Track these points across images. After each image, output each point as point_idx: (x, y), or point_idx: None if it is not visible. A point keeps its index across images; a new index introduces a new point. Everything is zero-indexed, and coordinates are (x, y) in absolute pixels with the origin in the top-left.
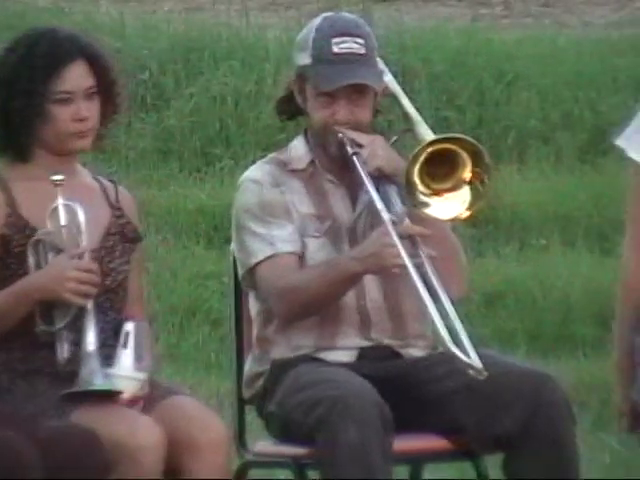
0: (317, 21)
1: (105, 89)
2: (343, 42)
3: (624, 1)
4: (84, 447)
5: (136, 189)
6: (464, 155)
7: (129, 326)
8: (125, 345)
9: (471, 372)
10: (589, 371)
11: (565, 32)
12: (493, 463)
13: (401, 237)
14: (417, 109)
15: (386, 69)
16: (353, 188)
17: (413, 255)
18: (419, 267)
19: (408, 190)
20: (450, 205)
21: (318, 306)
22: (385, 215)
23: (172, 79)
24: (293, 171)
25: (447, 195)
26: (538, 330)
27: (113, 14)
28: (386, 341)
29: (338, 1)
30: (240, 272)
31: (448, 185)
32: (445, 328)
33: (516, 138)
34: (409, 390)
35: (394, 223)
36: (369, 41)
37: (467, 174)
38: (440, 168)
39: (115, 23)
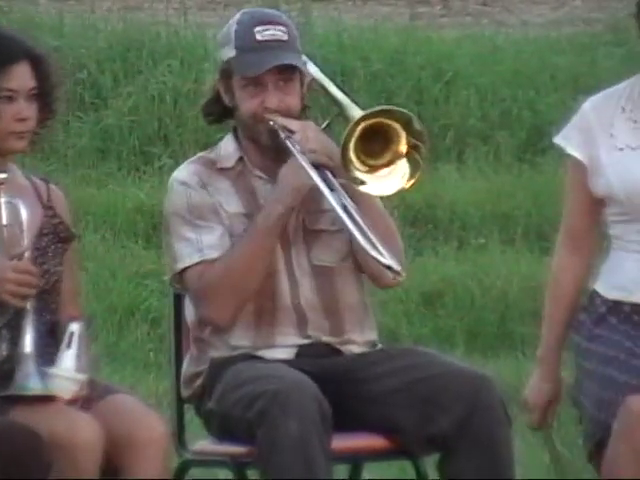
0: (237, 16)
1: (45, 93)
2: (265, 30)
3: (563, 0)
4: (26, 446)
5: (75, 188)
6: (397, 127)
7: (74, 327)
8: (69, 345)
9: (390, 274)
10: (528, 369)
11: (504, 31)
12: (433, 463)
13: (313, 166)
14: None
15: (309, 61)
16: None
17: (327, 182)
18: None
19: (346, 169)
20: (391, 180)
21: (249, 281)
22: (294, 149)
23: (110, 78)
24: (221, 170)
25: (386, 170)
26: (477, 329)
27: (52, 13)
28: (324, 338)
29: (277, 0)
30: (168, 275)
31: (385, 160)
32: (364, 238)
33: (455, 137)
34: (348, 388)
35: (303, 152)
36: (290, 30)
37: (403, 147)
38: (375, 144)
39: (54, 22)
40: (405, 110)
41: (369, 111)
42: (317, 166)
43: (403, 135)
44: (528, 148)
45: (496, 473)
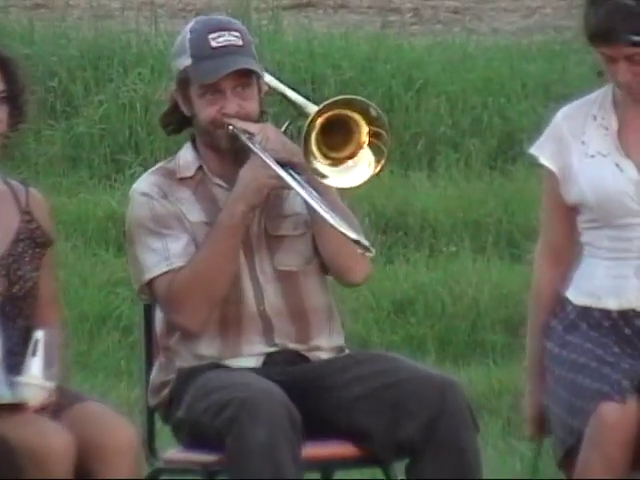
0: (190, 25)
1: (14, 96)
2: (220, 36)
3: (533, 8)
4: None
5: (46, 196)
6: (356, 117)
7: (39, 334)
8: (34, 353)
9: (359, 249)
10: (498, 377)
11: (475, 39)
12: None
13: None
14: None
15: (262, 68)
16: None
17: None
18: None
19: (309, 163)
20: (357, 171)
21: (217, 283)
22: (257, 148)
23: (81, 86)
24: (181, 180)
25: (350, 162)
26: (448, 337)
27: (22, 21)
28: (291, 345)
29: (247, 8)
30: (135, 286)
31: (348, 152)
32: (331, 216)
33: (426, 144)
34: (317, 395)
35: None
36: (244, 35)
37: (364, 136)
38: (337, 137)
39: (24, 30)
40: (360, 97)
41: (325, 103)
42: (280, 163)
43: (363, 124)
44: (499, 155)
45: (462, 476)
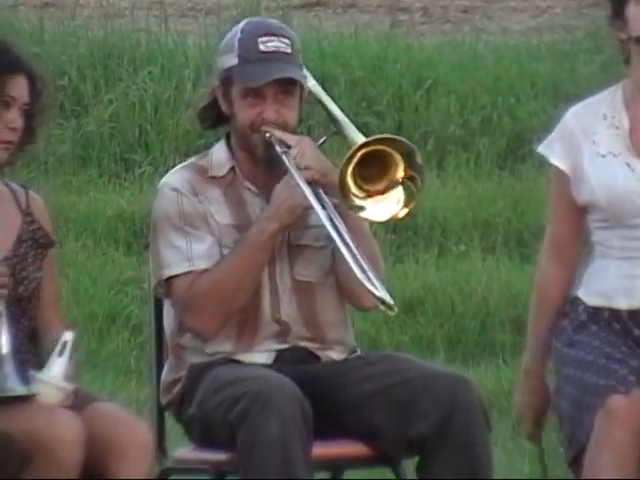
0: (241, 25)
1: (33, 114)
2: (269, 41)
3: (543, 7)
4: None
5: (55, 195)
6: (396, 156)
7: (68, 335)
8: (61, 353)
9: (382, 307)
10: (508, 377)
11: (484, 38)
12: (414, 467)
13: (307, 183)
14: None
15: (309, 74)
16: (270, 201)
17: (321, 202)
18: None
19: (342, 193)
20: (385, 206)
21: (238, 296)
22: (293, 169)
23: (91, 85)
24: (213, 178)
25: (380, 197)
26: (457, 336)
27: (32, 20)
28: (303, 344)
29: (258, 8)
30: (153, 280)
31: (381, 186)
32: (359, 268)
33: (435, 144)
34: (327, 394)
35: (299, 168)
36: (294, 43)
37: (400, 174)
38: (372, 169)
39: (34, 29)
40: (408, 142)
41: (372, 138)
42: (311, 184)
43: (401, 164)
44: (508, 155)
45: (474, 474)
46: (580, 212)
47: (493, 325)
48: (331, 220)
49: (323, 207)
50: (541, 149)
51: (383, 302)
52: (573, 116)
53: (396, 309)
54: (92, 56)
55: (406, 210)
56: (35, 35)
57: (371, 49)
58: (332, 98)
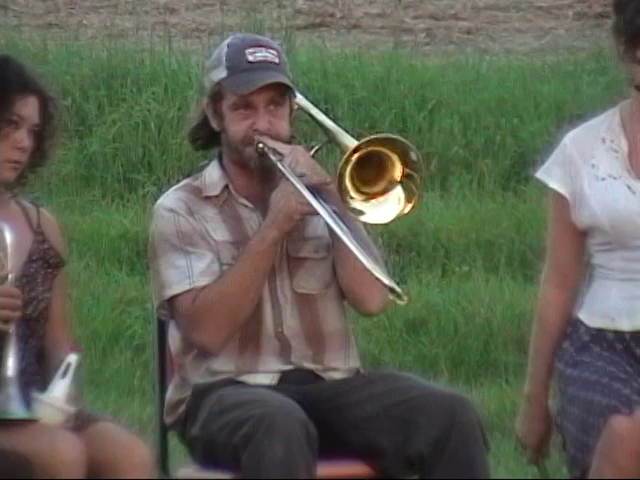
0: (227, 40)
1: (44, 136)
2: (257, 51)
3: (546, 29)
4: (14, 471)
5: (59, 215)
6: (392, 156)
7: (72, 358)
8: (64, 375)
9: (392, 297)
10: (511, 397)
11: (488, 59)
12: None
13: (307, 188)
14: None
15: (296, 90)
16: (267, 212)
17: (320, 204)
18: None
19: (342, 198)
20: (388, 207)
21: (243, 305)
22: (287, 171)
23: (95, 105)
24: (207, 198)
25: (381, 198)
26: (460, 356)
27: (36, 40)
28: (306, 365)
29: (261, 27)
30: (155, 302)
31: (380, 188)
32: (364, 256)
33: (439, 165)
34: (330, 414)
35: (300, 175)
36: (281, 55)
37: (397, 173)
38: (369, 172)
39: (38, 49)
40: (401, 139)
41: (365, 140)
42: (309, 188)
43: (399, 164)
44: (512, 176)
45: None
46: (580, 236)
47: (496, 345)
48: (332, 217)
49: (322, 206)
50: (539, 175)
51: (392, 290)
52: (571, 141)
53: (406, 298)
54: (96, 76)
55: (410, 206)
56: (39, 55)
57: (374, 70)
58: (333, 119)
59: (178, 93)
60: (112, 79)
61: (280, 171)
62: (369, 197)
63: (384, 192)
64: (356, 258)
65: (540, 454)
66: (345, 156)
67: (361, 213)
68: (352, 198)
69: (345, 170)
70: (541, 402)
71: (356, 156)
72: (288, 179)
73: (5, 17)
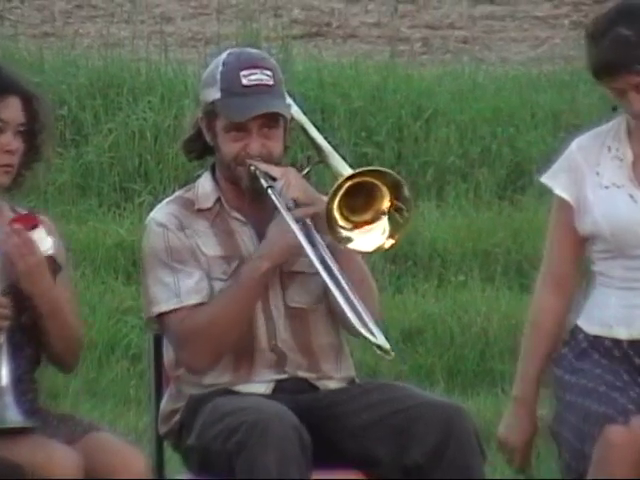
0: (223, 56)
1: (33, 132)
2: (252, 74)
3: (542, 38)
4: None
5: (55, 224)
6: (382, 188)
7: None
8: None
9: (379, 352)
10: (508, 407)
11: (484, 68)
12: None
13: (297, 221)
14: (336, 145)
15: (292, 101)
16: (260, 225)
17: (312, 243)
18: (318, 251)
19: (329, 225)
20: (371, 237)
21: (231, 333)
22: (282, 208)
23: (91, 114)
24: (199, 211)
25: (367, 227)
26: (457, 366)
27: (32, 49)
28: (300, 373)
29: (257, 37)
30: (144, 316)
31: (367, 217)
32: (351, 311)
33: (435, 174)
34: (325, 423)
35: (289, 209)
36: (276, 73)
37: (386, 204)
38: (358, 200)
39: (34, 58)
40: (395, 174)
41: (359, 170)
42: (301, 221)
43: (386, 193)
44: (508, 185)
45: None
46: (580, 243)
47: (492, 355)
48: (323, 262)
49: (314, 246)
50: (545, 179)
51: (380, 348)
52: (578, 147)
53: (392, 354)
54: (92, 85)
55: (392, 241)
56: (35, 65)
57: (371, 79)
58: (329, 129)
59: (174, 102)
60: (108, 88)
61: (271, 200)
62: (355, 226)
63: (371, 222)
64: (342, 312)
65: (524, 458)
66: (336, 184)
67: (348, 240)
68: (340, 226)
69: (334, 199)
70: (529, 404)
71: (347, 185)
72: (281, 213)
73: (1, 27)
